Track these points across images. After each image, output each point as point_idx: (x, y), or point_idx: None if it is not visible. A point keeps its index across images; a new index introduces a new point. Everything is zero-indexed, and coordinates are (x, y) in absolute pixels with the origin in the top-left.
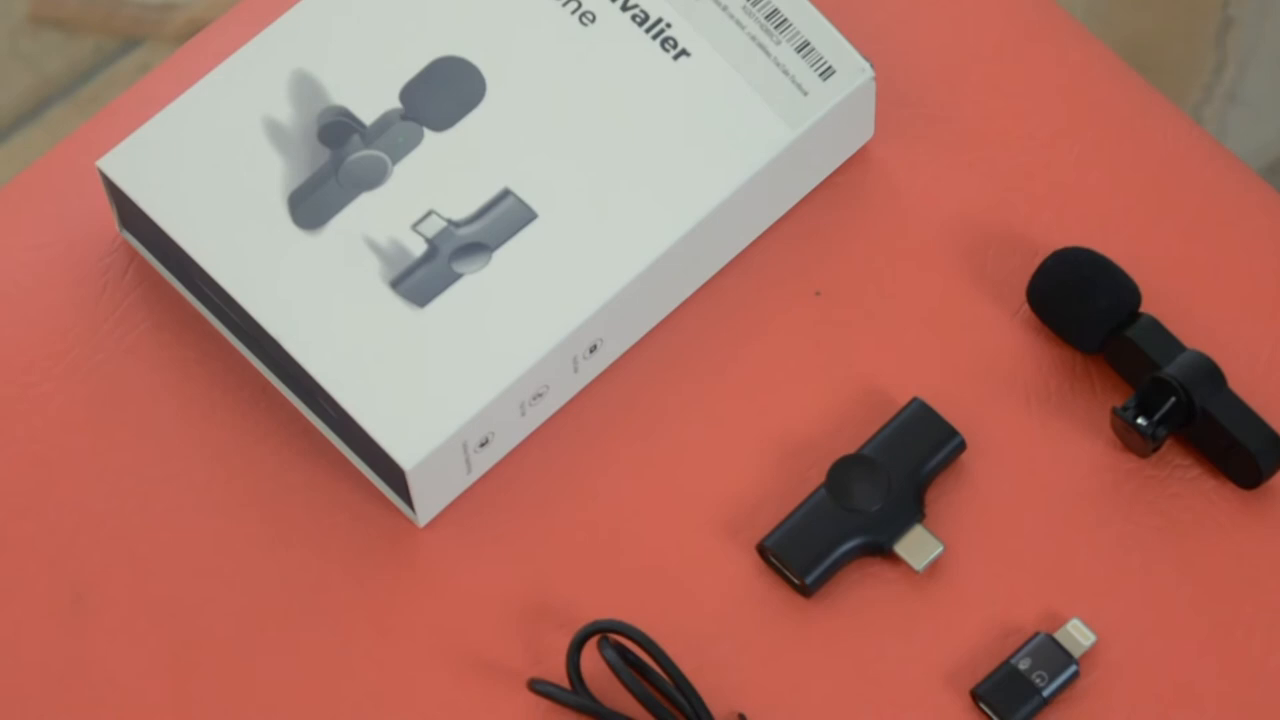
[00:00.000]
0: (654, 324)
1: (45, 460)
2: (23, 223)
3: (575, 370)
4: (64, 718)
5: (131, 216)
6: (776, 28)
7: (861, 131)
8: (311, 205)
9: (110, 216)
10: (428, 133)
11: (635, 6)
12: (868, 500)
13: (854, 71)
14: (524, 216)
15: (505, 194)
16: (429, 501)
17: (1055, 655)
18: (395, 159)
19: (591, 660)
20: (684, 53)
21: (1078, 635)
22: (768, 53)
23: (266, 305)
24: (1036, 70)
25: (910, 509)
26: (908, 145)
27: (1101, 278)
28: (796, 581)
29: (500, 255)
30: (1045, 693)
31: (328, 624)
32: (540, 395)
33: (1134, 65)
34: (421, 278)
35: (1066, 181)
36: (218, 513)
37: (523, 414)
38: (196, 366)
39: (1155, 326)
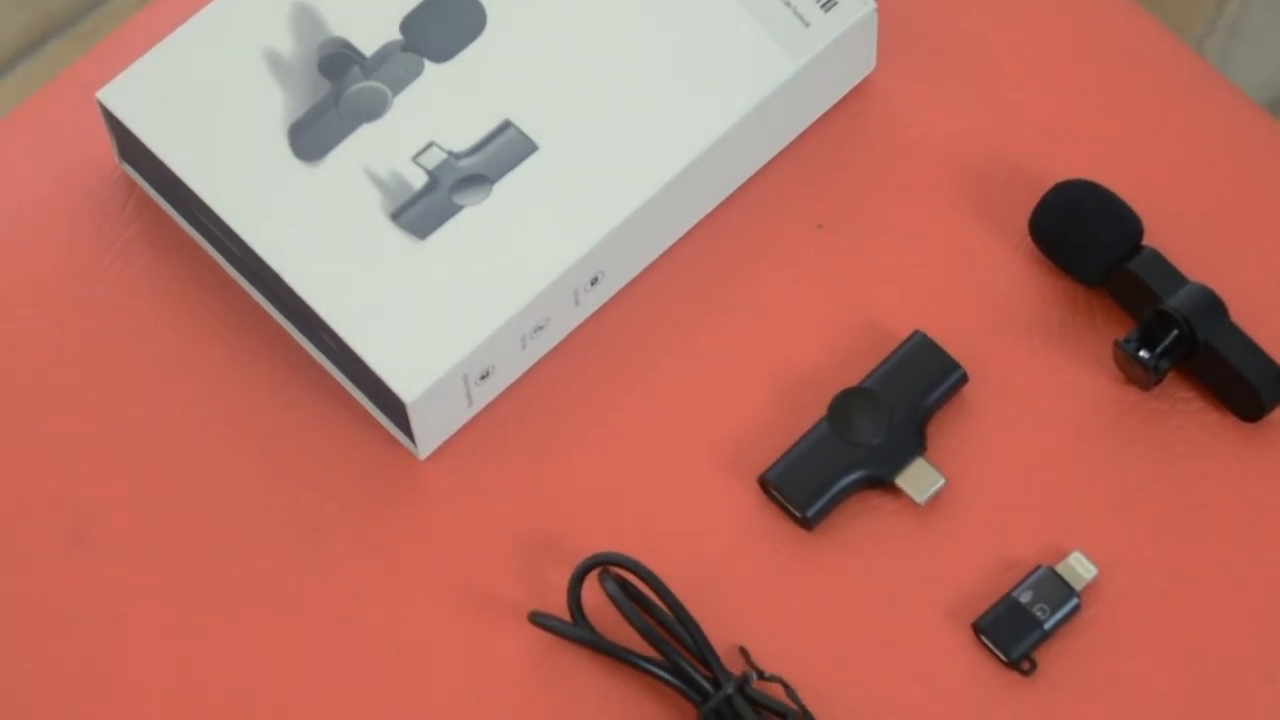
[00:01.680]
0: (655, 257)
1: (43, 393)
2: (22, 155)
3: (576, 303)
4: (63, 652)
5: (131, 148)
6: None
7: (863, 63)
8: (312, 137)
9: (109, 148)
10: (428, 64)
11: None
12: (869, 433)
13: (856, 3)
14: (525, 148)
15: (506, 126)
16: (429, 434)
17: (1057, 588)
18: (396, 90)
19: (592, 593)
20: None
21: (1079, 568)
22: None
23: (266, 237)
24: (1039, 2)
25: (912, 442)
26: (910, 78)
27: (1104, 210)
28: (798, 514)
29: (501, 187)
30: (1046, 625)
31: (328, 557)
32: (541, 328)
33: None
34: (422, 210)
35: (1069, 114)
36: (217, 446)
37: (523, 347)
38: (196, 299)
39: (1157, 259)
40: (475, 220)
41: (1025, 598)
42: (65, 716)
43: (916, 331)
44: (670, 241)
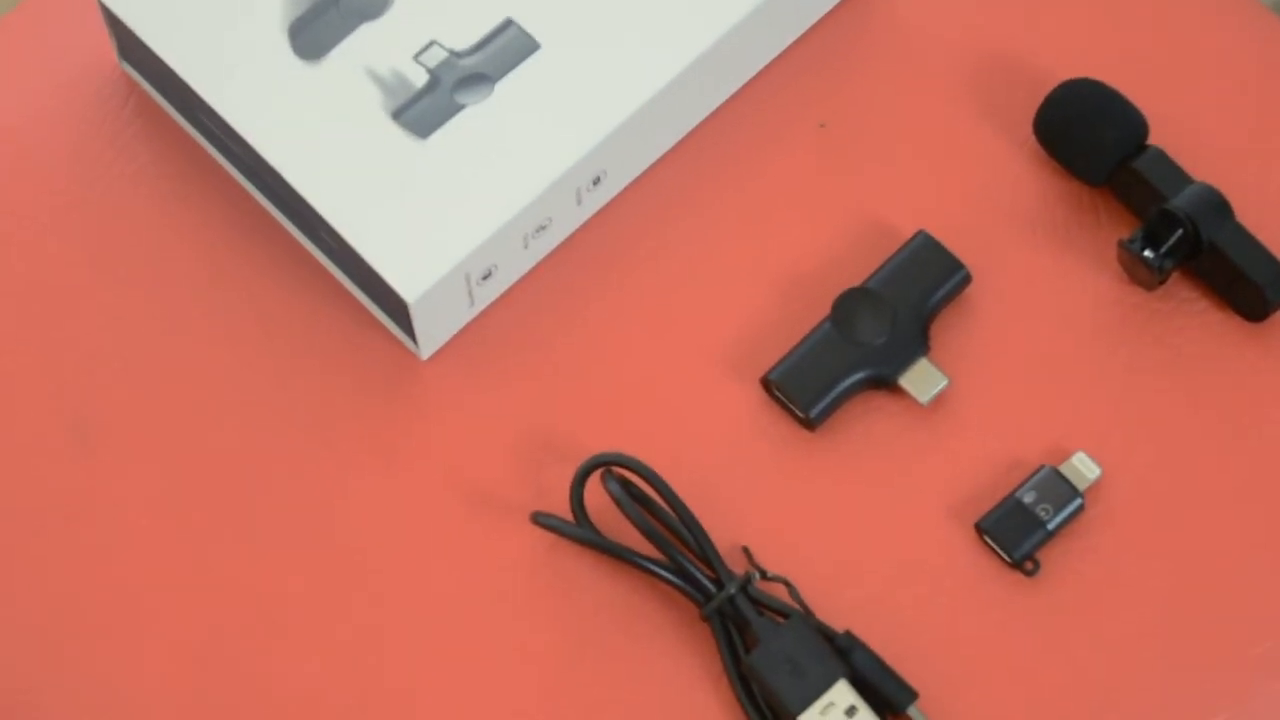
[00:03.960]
0: (658, 156)
1: (44, 291)
2: (22, 54)
3: (578, 203)
4: (65, 547)
5: (131, 47)
6: None
7: None
8: (312, 35)
9: (109, 47)
10: None
11: None
12: (872, 333)
13: None
14: (527, 47)
15: (508, 24)
16: (431, 334)
17: (1060, 488)
18: None
19: (595, 494)
20: None
21: (1082, 468)
22: None
23: (268, 136)
24: None
25: (915, 342)
26: None
27: (1109, 109)
28: (800, 415)
29: (503, 86)
30: (1050, 525)
31: (330, 457)
32: (543, 228)
33: None
34: (423, 109)
35: (1074, 12)
36: (218, 346)
37: (525, 247)
38: (197, 199)
39: (1162, 158)
40: (477, 119)
41: (1028, 498)
42: (68, 612)
43: (920, 231)
44: (673, 141)
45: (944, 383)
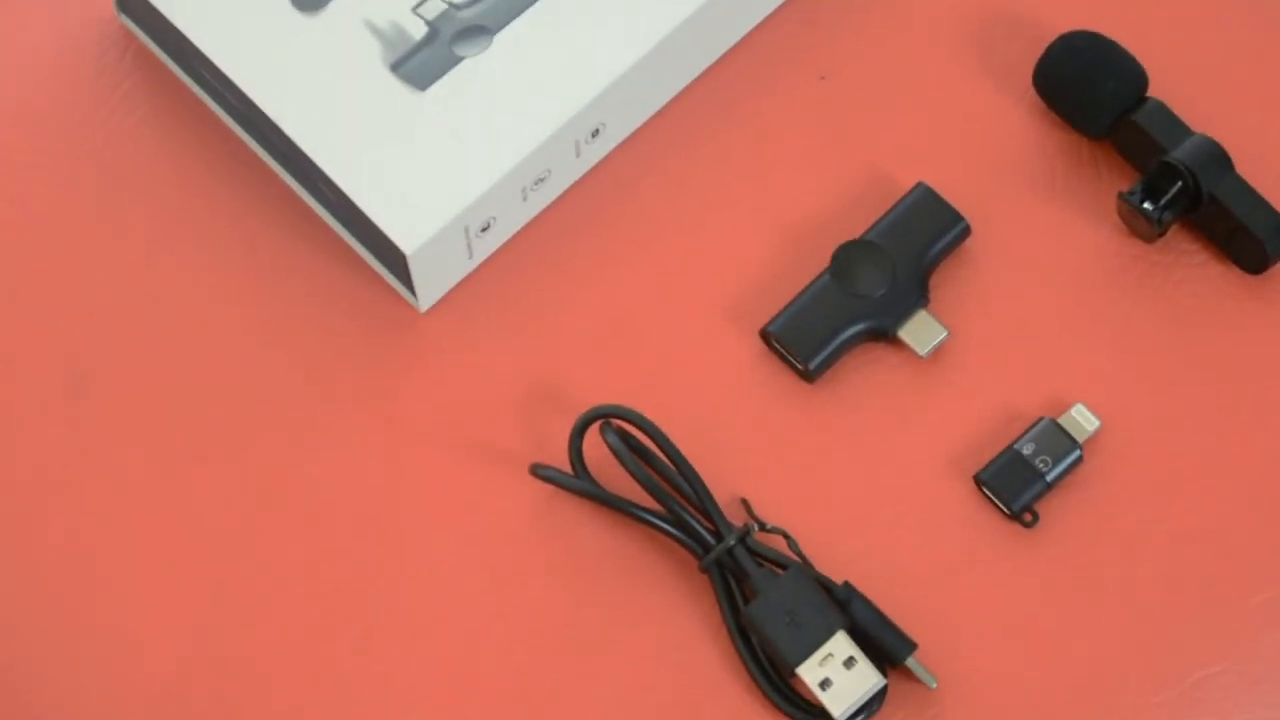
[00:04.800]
0: (657, 108)
1: (42, 244)
2: (18, 6)
3: (577, 155)
4: (60, 502)
5: None
6: None
7: None
8: None
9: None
10: None
11: None
12: (872, 285)
13: None
14: None
15: None
16: (430, 287)
17: (1059, 440)
18: None
19: (594, 446)
20: None
21: (1081, 420)
22: None
23: (266, 89)
24: None
25: (915, 294)
26: None
27: (1108, 61)
28: (799, 367)
29: (502, 38)
30: (1048, 477)
31: (328, 409)
32: (542, 180)
33: None
34: (422, 61)
35: None
36: (217, 298)
37: (524, 199)
38: (195, 151)
39: (1162, 110)
40: (476, 71)
41: (1027, 450)
42: (64, 564)
43: (920, 183)
44: (672, 93)
45: (943, 334)
